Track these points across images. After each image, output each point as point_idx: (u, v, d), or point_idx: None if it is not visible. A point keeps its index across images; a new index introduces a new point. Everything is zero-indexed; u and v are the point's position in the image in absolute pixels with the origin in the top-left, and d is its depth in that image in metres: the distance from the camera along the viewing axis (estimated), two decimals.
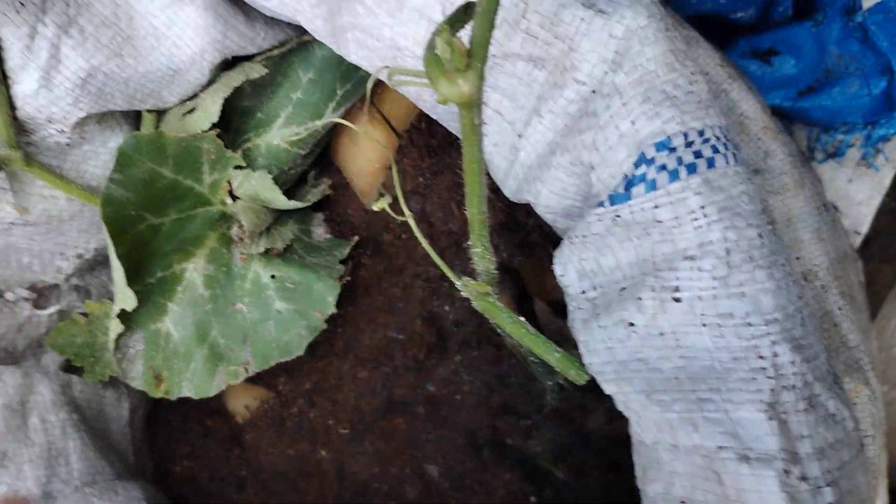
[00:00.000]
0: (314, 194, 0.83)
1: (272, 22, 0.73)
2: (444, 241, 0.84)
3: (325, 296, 0.79)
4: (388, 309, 0.86)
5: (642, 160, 0.43)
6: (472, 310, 0.84)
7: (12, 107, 0.63)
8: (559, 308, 0.79)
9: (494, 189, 0.81)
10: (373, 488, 0.86)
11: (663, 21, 0.46)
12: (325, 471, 0.89)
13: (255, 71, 0.74)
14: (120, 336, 0.76)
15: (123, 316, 0.74)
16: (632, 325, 0.45)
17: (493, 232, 0.83)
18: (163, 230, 0.76)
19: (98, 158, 0.74)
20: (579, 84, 0.49)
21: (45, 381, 0.76)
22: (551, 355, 0.50)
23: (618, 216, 0.45)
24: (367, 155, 0.85)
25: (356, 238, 0.86)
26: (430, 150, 0.84)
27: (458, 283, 0.56)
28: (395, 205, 0.58)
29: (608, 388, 0.46)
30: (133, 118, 0.76)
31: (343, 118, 0.85)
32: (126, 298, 0.72)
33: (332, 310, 0.78)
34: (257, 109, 0.80)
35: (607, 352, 0.47)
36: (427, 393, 0.85)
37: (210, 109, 0.73)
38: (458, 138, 0.84)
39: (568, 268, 0.51)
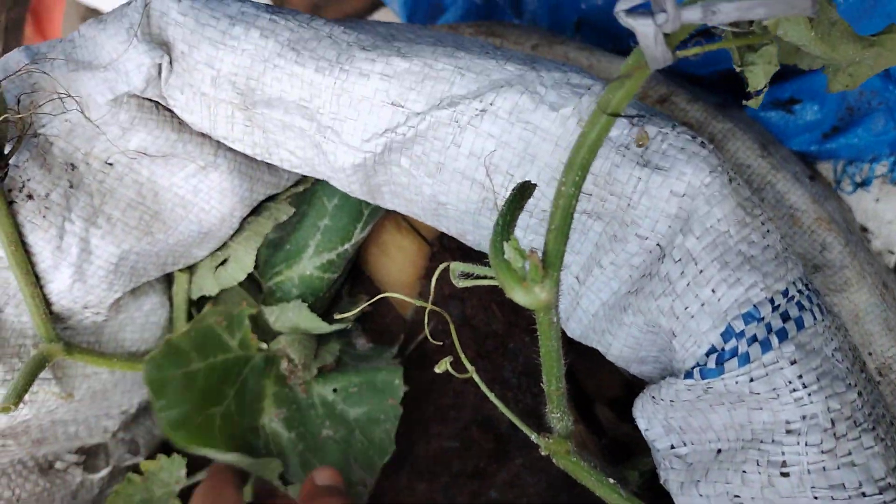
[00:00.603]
0: (354, 313, 0.81)
1: None
2: (490, 344, 0.83)
3: (391, 381, 0.78)
4: (440, 418, 0.84)
5: (731, 333, 0.42)
6: (527, 411, 0.82)
7: (48, 303, 0.62)
8: (620, 408, 0.78)
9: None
10: None
11: (725, 172, 0.45)
12: None
13: (283, 213, 0.72)
14: None
15: None
16: (737, 496, 0.43)
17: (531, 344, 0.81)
18: (232, 408, 0.75)
19: (134, 323, 0.72)
20: (642, 239, 0.47)
21: None
22: None
23: (710, 387, 0.43)
24: (399, 266, 0.84)
25: (398, 344, 0.84)
26: (464, 252, 0.82)
27: (534, 438, 0.55)
28: (456, 363, 0.57)
29: None
30: (165, 277, 0.75)
31: (373, 230, 0.83)
32: None
33: (402, 390, 0.77)
34: (285, 241, 0.78)
35: None
36: (490, 500, 0.83)
37: (244, 261, 0.71)
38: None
39: (653, 423, 0.49)
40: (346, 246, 0.79)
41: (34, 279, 0.59)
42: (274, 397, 0.80)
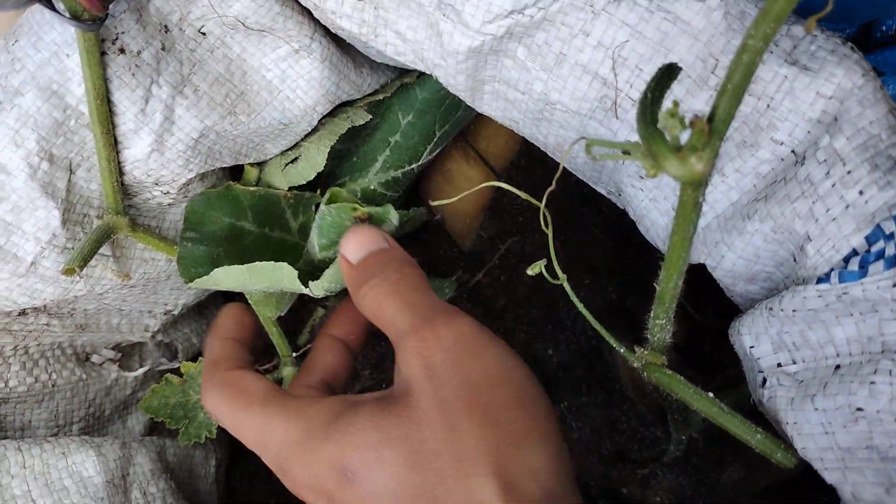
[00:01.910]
0: (414, 220, 0.79)
1: (376, 66, 0.69)
2: (548, 282, 0.80)
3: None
4: None
5: (879, 235, 0.40)
6: (580, 353, 0.80)
7: (120, 172, 0.59)
8: (681, 353, 0.76)
9: (604, 229, 0.78)
10: None
11: (877, 78, 0.43)
12: None
13: (360, 117, 0.69)
14: None
15: None
16: (860, 409, 0.41)
17: (602, 272, 0.79)
18: None
19: None
20: (776, 144, 0.45)
21: (142, 449, 0.72)
22: (752, 436, 0.46)
23: (845, 293, 0.42)
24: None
25: (453, 283, 0.82)
26: (531, 187, 0.80)
27: (624, 352, 0.53)
28: (549, 267, 0.55)
29: (831, 478, 0.43)
30: (230, 170, 0.72)
31: (438, 157, 0.81)
32: None
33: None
34: (352, 153, 0.76)
35: (826, 437, 0.43)
36: None
37: (316, 159, 0.68)
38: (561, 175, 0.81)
39: (761, 339, 0.47)
40: (414, 166, 0.76)
41: (113, 141, 0.57)
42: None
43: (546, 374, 0.81)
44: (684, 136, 0.37)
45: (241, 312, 0.54)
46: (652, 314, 0.48)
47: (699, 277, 0.67)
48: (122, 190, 0.61)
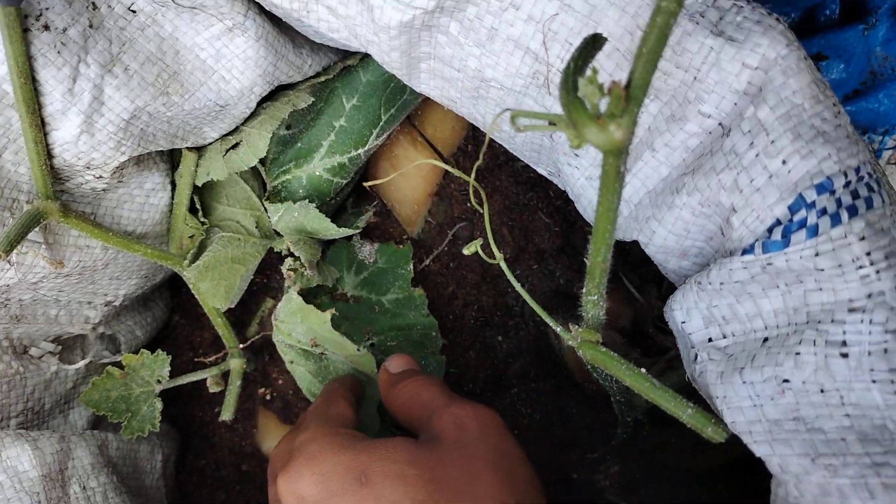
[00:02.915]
0: (362, 220, 0.78)
1: (317, 47, 0.68)
2: (496, 268, 0.80)
3: (428, 334, 0.78)
4: None
5: (801, 204, 0.40)
6: (529, 340, 0.80)
7: (49, 155, 0.58)
8: (626, 336, 0.76)
9: (550, 214, 0.78)
10: None
11: (801, 49, 0.43)
12: None
13: (302, 100, 0.69)
14: None
15: None
16: (786, 381, 0.42)
17: (549, 257, 0.79)
18: None
19: (133, 201, 0.68)
20: (704, 117, 0.45)
21: (81, 443, 0.70)
22: (682, 411, 0.46)
23: (769, 264, 0.42)
24: (411, 182, 0.81)
25: (409, 244, 0.82)
26: (478, 173, 0.80)
27: (560, 331, 0.52)
28: (485, 247, 0.54)
29: (759, 450, 0.43)
30: (168, 156, 0.71)
31: (384, 143, 0.80)
32: None
33: (441, 341, 0.77)
34: (297, 139, 0.75)
35: (754, 410, 0.43)
36: None
37: (257, 145, 0.67)
38: (506, 160, 0.80)
39: (692, 314, 0.47)
40: (360, 151, 0.76)
41: (39, 122, 0.55)
42: None
43: (496, 362, 0.81)
44: (604, 105, 0.36)
45: (356, 382, 0.69)
46: (584, 290, 0.48)
47: (642, 260, 0.67)
48: (53, 174, 0.59)
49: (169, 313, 0.92)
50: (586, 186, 0.55)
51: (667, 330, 0.70)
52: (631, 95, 0.36)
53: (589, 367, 0.56)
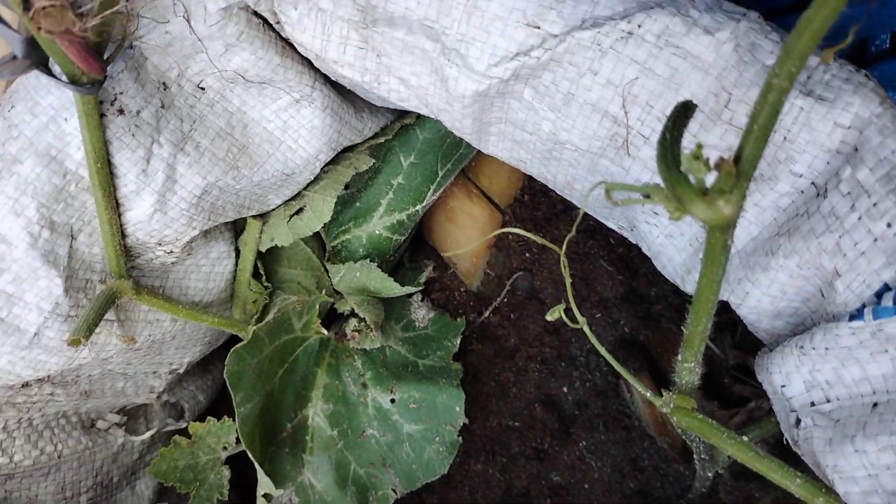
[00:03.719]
0: (422, 276, 0.78)
1: (376, 109, 0.68)
2: (558, 320, 0.79)
3: (451, 407, 0.74)
4: (500, 395, 0.81)
5: None
6: (595, 391, 0.79)
7: (123, 235, 0.58)
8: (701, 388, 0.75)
9: (612, 262, 0.77)
10: None
11: (894, 106, 0.42)
12: None
13: (363, 163, 0.69)
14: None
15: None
16: None
17: (612, 305, 0.78)
18: (276, 388, 0.71)
19: (200, 271, 0.68)
20: (796, 176, 0.44)
21: None
22: (791, 481, 0.45)
23: (880, 330, 0.40)
24: (468, 234, 0.80)
25: (463, 320, 0.80)
26: (536, 223, 0.79)
27: (650, 396, 0.51)
28: (567, 310, 0.53)
29: None
30: (232, 224, 0.71)
31: (441, 197, 0.80)
32: (269, 487, 0.67)
33: (462, 419, 0.73)
34: (355, 199, 0.75)
35: (870, 480, 0.42)
36: (552, 483, 0.79)
37: (322, 210, 0.67)
38: (564, 209, 0.80)
39: (793, 377, 0.46)
40: (418, 207, 0.75)
41: (114, 203, 0.55)
42: (324, 389, 0.76)
43: (563, 414, 0.79)
44: (709, 179, 0.36)
45: None
46: (679, 357, 0.47)
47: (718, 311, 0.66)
48: (125, 252, 0.59)
49: None
50: (666, 244, 0.55)
51: (743, 380, 0.69)
52: (741, 171, 0.35)
53: (679, 430, 0.55)
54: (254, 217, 0.69)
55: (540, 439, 0.80)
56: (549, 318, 0.52)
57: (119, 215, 0.57)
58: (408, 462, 0.73)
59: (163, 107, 0.55)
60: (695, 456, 0.63)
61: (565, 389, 0.79)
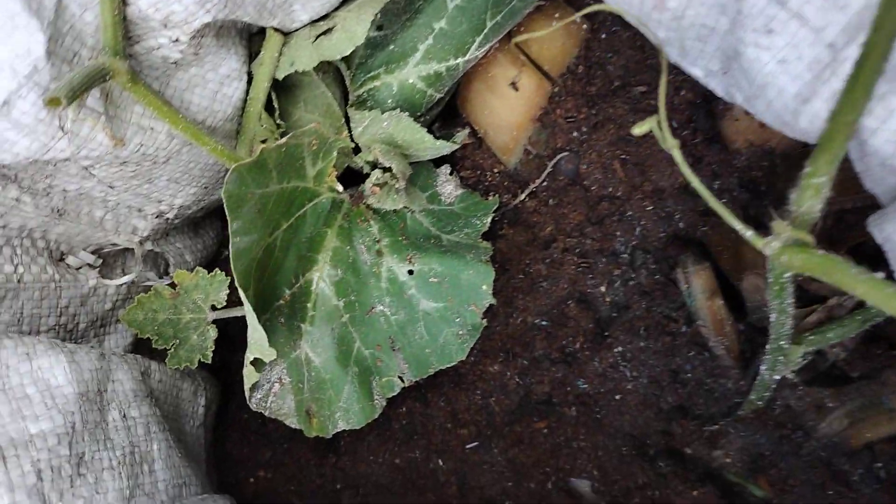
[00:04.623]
0: (459, 136, 0.68)
1: None
2: (603, 209, 0.70)
3: (477, 285, 0.64)
4: (528, 289, 0.71)
5: None
6: (639, 291, 0.69)
7: (124, 1, 0.48)
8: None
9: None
10: None
11: None
12: (442, 485, 0.73)
13: None
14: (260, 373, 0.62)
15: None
16: None
17: (668, 196, 0.69)
18: (278, 244, 0.62)
19: (205, 87, 0.58)
20: None
21: (123, 366, 0.60)
22: None
23: None
24: (510, 105, 0.71)
25: (496, 198, 0.71)
26: (590, 99, 0.70)
27: (751, 236, 0.42)
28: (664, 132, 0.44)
29: None
30: (248, 43, 0.61)
31: (479, 61, 0.70)
32: (262, 349, 0.58)
33: (489, 300, 0.64)
34: (389, 41, 0.65)
35: None
36: (578, 391, 0.70)
37: (355, 30, 0.58)
38: (622, 84, 0.70)
39: None
40: (459, 60, 0.66)
41: None
42: (333, 253, 0.66)
43: (599, 315, 0.70)
44: None
45: None
46: (809, 168, 0.37)
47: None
48: (124, 28, 0.49)
49: (218, 247, 0.82)
50: (776, 74, 0.45)
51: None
52: None
53: (772, 291, 0.45)
54: (275, 30, 0.59)
55: (570, 342, 0.70)
56: (635, 131, 0.43)
57: None
58: (420, 345, 0.64)
59: None
60: (766, 350, 0.54)
61: (603, 289, 0.70)
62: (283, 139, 0.56)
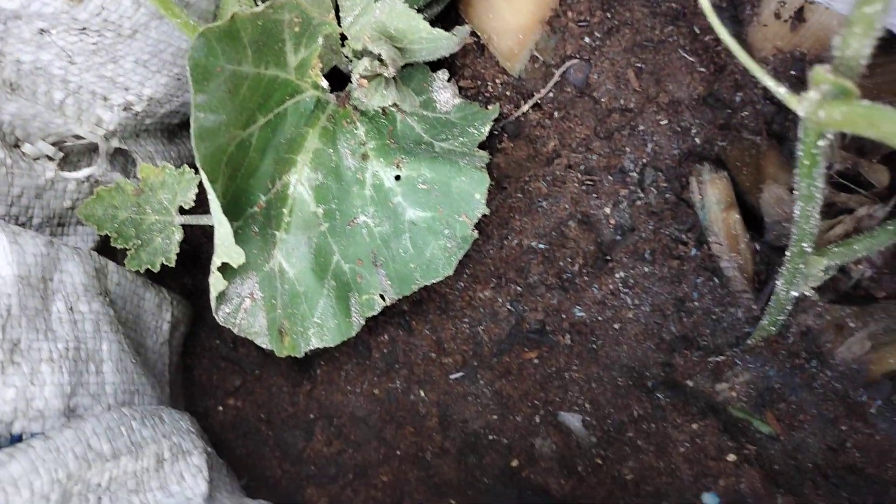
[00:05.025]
0: (460, 31, 0.62)
1: None
2: (613, 123, 0.64)
3: (470, 193, 0.59)
4: (526, 209, 0.66)
5: None
6: (647, 212, 0.64)
7: None
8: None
9: (695, 52, 0.62)
10: (487, 441, 0.66)
11: None
12: (423, 417, 0.68)
13: None
14: (229, 283, 0.57)
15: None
16: None
17: (685, 109, 0.63)
18: (253, 143, 0.56)
19: None
20: None
21: (74, 258, 0.54)
22: None
23: None
24: (516, 5, 0.65)
25: (497, 107, 0.65)
26: (605, 1, 0.64)
27: (785, 94, 0.36)
28: None
29: None
30: None
31: None
32: (229, 248, 0.52)
33: (482, 210, 0.58)
34: None
35: None
36: (574, 319, 0.64)
37: None
38: None
39: None
40: None
41: None
42: (314, 155, 0.60)
43: (600, 237, 0.64)
44: None
45: None
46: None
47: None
48: None
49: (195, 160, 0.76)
50: None
51: (850, 188, 0.54)
52: None
53: (802, 168, 0.40)
54: None
55: (568, 266, 0.65)
56: None
57: None
58: (404, 260, 0.59)
59: None
60: (784, 266, 0.48)
61: (608, 209, 0.64)
62: (260, 7, 0.50)
